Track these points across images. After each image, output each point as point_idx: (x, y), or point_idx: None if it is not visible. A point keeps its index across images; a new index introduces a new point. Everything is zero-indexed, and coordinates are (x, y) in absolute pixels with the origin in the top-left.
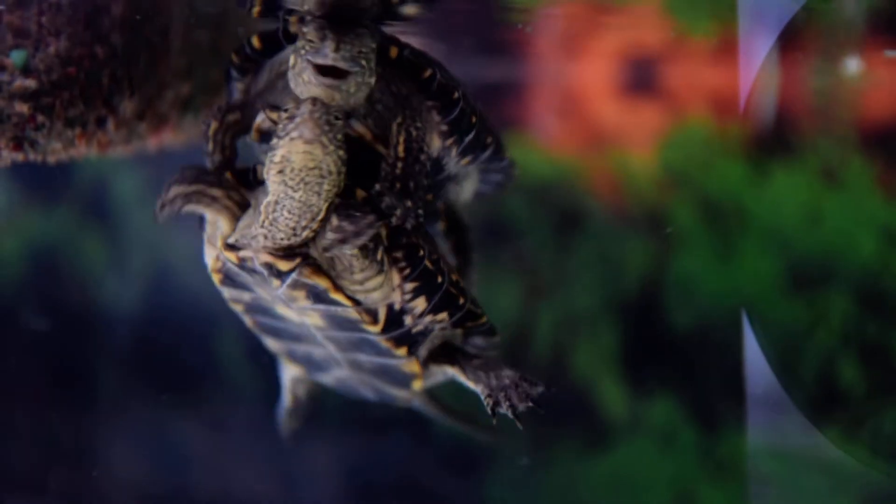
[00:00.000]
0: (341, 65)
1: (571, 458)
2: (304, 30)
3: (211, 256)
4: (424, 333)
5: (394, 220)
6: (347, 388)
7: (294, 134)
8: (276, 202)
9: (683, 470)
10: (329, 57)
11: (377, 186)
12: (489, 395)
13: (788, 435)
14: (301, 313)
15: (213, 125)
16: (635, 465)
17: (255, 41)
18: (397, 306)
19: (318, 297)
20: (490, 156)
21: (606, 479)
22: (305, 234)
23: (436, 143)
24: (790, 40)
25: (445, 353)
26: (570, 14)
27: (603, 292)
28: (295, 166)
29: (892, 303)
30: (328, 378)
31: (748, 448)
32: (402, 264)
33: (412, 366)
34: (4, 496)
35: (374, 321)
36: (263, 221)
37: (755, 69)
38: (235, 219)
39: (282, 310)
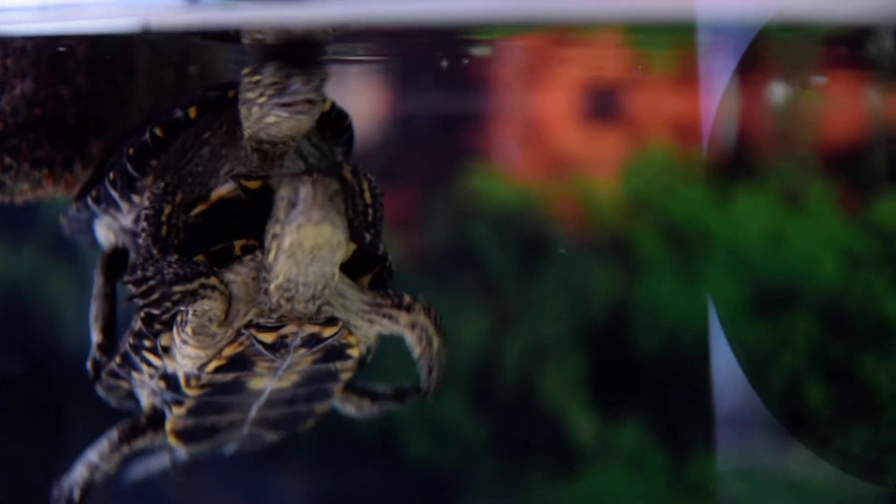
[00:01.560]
0: (313, 96)
1: (542, 485)
2: (261, 76)
3: (203, 349)
4: None
5: (389, 264)
6: (213, 451)
7: (301, 220)
8: (289, 280)
9: (653, 493)
10: (303, 91)
11: (366, 236)
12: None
13: (757, 456)
14: (280, 379)
15: (167, 209)
16: (605, 490)
17: (159, 131)
18: (369, 347)
19: (328, 356)
20: None
21: (578, 502)
22: (320, 301)
23: None
24: (749, 66)
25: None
26: (530, 46)
27: (569, 318)
28: (306, 248)
29: (856, 323)
30: (201, 447)
31: (717, 469)
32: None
33: (325, 406)
34: None
35: (356, 366)
36: (279, 301)
37: (715, 95)
38: (228, 304)
39: (255, 382)
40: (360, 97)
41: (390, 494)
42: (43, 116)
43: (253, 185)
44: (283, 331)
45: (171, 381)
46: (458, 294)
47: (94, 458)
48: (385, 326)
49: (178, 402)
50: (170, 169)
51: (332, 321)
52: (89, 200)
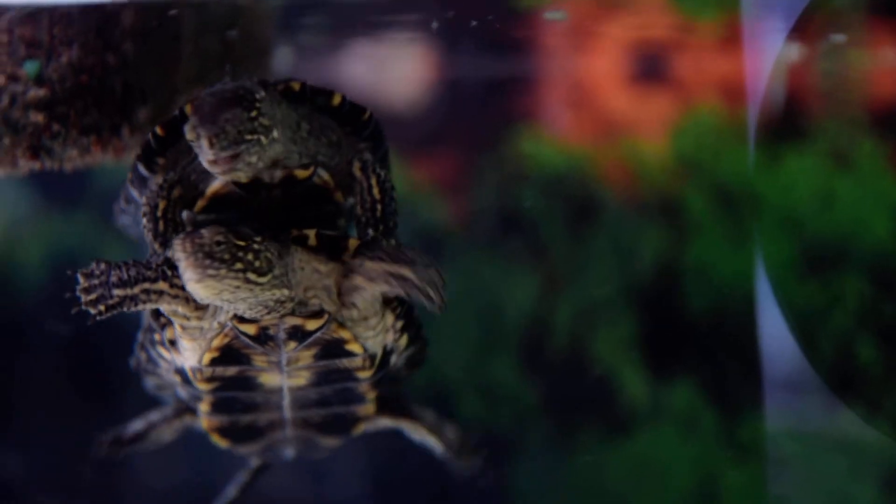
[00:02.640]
0: (223, 155)
1: (594, 446)
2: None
3: (197, 342)
4: (393, 369)
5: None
6: (269, 453)
7: (185, 278)
8: (235, 310)
9: (705, 453)
10: (210, 154)
11: (370, 232)
12: (450, 449)
13: (807, 416)
14: (290, 375)
15: (162, 204)
16: (657, 451)
17: (159, 129)
18: (388, 347)
19: (327, 352)
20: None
21: (629, 465)
22: (290, 304)
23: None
24: (799, 25)
25: (396, 404)
26: (577, 9)
27: (619, 281)
28: (208, 298)
29: None
30: (254, 447)
31: (767, 430)
32: (394, 304)
33: (369, 408)
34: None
35: (371, 366)
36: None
37: (761, 55)
38: (190, 300)
39: (265, 377)
40: (408, 62)
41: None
42: (90, 84)
43: (243, 178)
44: (264, 322)
45: (183, 375)
46: (508, 258)
47: (155, 417)
48: (368, 299)
49: (199, 398)
50: (175, 166)
51: (317, 314)
52: (122, 202)
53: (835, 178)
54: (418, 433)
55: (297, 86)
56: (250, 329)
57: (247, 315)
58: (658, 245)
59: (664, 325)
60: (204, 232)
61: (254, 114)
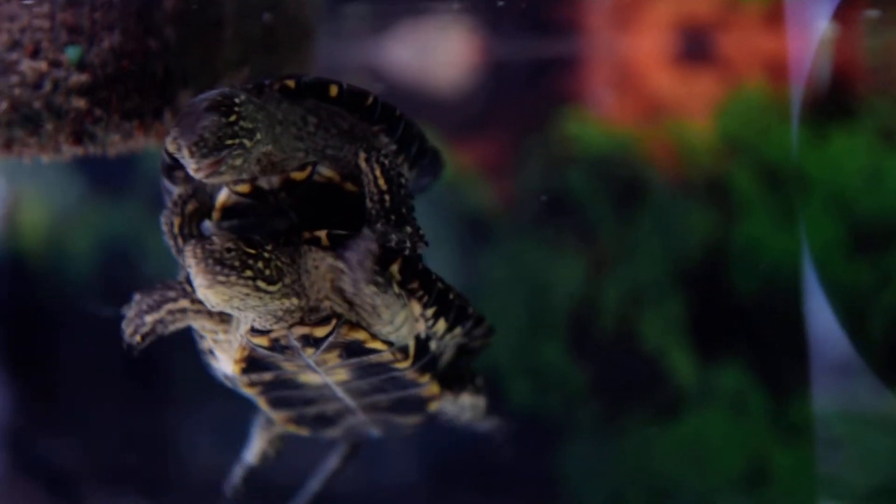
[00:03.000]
0: (205, 162)
1: (642, 428)
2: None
3: (228, 353)
4: (442, 352)
5: (407, 252)
6: (354, 434)
7: (195, 285)
8: (248, 321)
9: (754, 435)
10: (192, 162)
11: (378, 226)
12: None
13: (857, 397)
14: (328, 374)
15: (177, 221)
16: (706, 433)
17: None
18: (423, 335)
19: (351, 352)
20: (429, 155)
21: (678, 447)
22: (299, 313)
23: None
24: (844, 1)
25: (458, 376)
26: None
27: (666, 262)
28: (219, 305)
29: None
30: (336, 431)
31: (816, 411)
32: (420, 293)
33: (432, 388)
34: (83, 486)
35: (406, 357)
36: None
37: (806, 32)
38: (213, 315)
39: (305, 377)
40: (451, 44)
41: (490, 439)
42: (131, 69)
43: (243, 188)
44: (273, 334)
45: (231, 380)
46: (555, 241)
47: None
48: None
49: (253, 398)
50: (188, 178)
51: (325, 320)
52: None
53: (882, 156)
54: (472, 408)
55: (292, 84)
56: (263, 341)
57: (256, 325)
58: (704, 226)
59: (711, 307)
60: (215, 238)
61: (233, 118)
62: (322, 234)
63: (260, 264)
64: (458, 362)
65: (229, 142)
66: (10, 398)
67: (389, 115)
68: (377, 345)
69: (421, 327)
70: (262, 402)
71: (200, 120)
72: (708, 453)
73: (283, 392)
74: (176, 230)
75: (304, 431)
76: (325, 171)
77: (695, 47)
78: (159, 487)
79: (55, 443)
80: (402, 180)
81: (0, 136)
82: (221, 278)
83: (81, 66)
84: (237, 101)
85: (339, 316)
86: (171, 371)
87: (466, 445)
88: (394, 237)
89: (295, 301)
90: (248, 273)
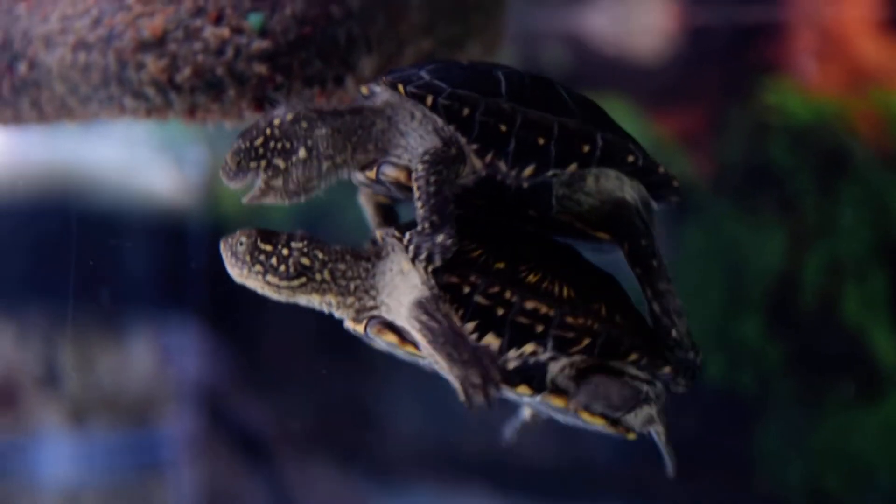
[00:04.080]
0: (231, 184)
1: (841, 408)
2: None
3: None
4: (538, 368)
5: (430, 263)
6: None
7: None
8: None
9: None
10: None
11: (407, 235)
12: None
13: None
14: None
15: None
16: None
17: None
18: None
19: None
20: (579, 160)
21: (878, 429)
22: (365, 313)
23: (476, 164)
24: None
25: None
26: None
27: (869, 236)
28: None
29: None
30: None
31: None
32: (455, 305)
33: (557, 400)
34: (278, 451)
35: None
36: None
37: None
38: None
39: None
40: (651, 12)
41: (688, 415)
42: (313, 35)
43: (370, 174)
44: (345, 325)
45: None
46: (755, 213)
47: None
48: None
49: None
50: None
51: (370, 319)
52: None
53: None
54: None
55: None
56: (357, 328)
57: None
58: None
59: None
60: (238, 231)
61: (258, 141)
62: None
63: (273, 260)
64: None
65: (253, 164)
66: (214, 364)
67: (456, 113)
68: (409, 348)
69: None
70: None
71: (230, 148)
72: None
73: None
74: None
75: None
76: (390, 171)
77: None
78: (351, 455)
79: (254, 408)
80: (445, 188)
81: (184, 102)
82: (236, 270)
83: (263, 32)
84: (274, 122)
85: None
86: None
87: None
88: (422, 248)
89: (341, 299)
90: (258, 268)
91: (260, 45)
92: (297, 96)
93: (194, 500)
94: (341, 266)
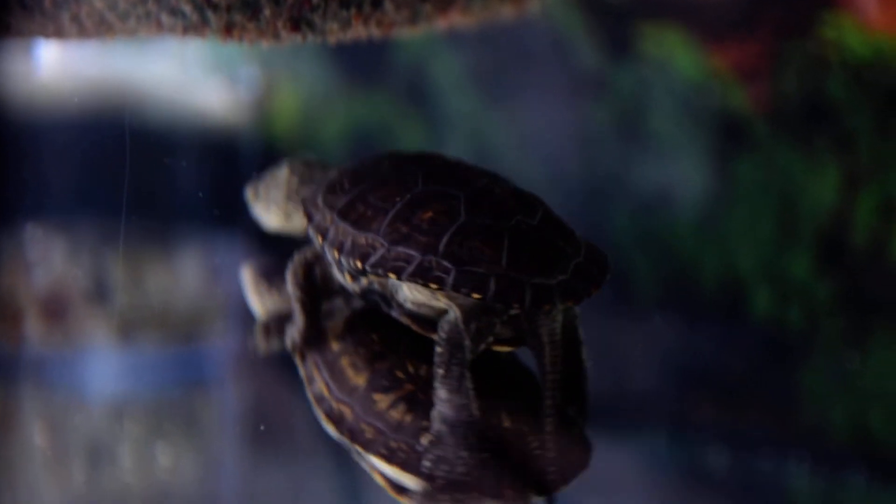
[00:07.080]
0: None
1: (887, 348)
2: None
3: None
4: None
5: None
6: None
7: None
8: None
9: None
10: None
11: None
12: None
13: None
14: None
15: None
16: None
17: None
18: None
19: None
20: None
21: None
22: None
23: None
24: None
25: None
26: None
27: None
28: None
29: None
30: None
31: None
32: None
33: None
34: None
35: None
36: None
37: None
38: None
39: None
40: None
41: (734, 352)
42: None
43: None
44: None
45: None
46: (810, 148)
47: None
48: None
49: None
50: None
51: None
52: None
53: None
54: None
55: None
56: None
57: None
58: None
59: None
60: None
61: (250, 195)
62: None
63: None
64: None
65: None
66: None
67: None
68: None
69: None
70: None
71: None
72: None
73: None
74: None
75: None
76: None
77: None
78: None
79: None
80: (446, 355)
81: (220, 20)
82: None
83: None
84: (254, 183)
85: None
86: None
87: (706, 354)
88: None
89: None
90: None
91: None
92: (334, 17)
93: (240, 417)
94: None
